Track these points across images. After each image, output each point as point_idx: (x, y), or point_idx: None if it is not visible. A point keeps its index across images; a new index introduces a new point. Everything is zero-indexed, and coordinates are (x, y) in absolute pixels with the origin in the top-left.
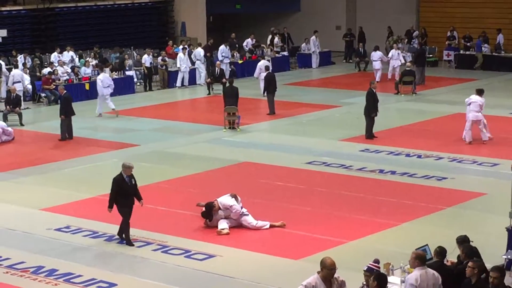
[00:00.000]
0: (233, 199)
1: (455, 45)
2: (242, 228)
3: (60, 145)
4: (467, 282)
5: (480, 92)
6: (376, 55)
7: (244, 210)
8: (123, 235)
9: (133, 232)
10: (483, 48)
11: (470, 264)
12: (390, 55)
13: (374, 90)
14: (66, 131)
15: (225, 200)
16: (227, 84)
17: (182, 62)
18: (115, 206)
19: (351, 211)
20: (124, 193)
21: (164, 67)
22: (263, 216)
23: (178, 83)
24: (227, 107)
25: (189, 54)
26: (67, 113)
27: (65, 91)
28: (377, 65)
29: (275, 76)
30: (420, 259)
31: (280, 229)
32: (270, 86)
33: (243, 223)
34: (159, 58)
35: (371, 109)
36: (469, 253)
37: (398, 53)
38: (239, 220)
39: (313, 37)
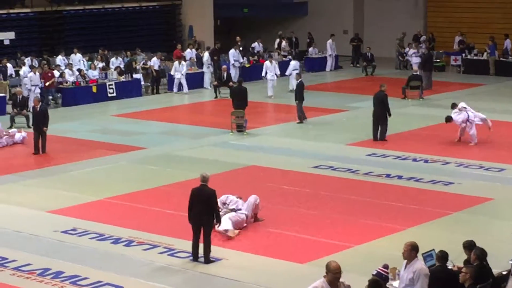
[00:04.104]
0: (229, 195)
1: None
2: (247, 231)
3: (67, 147)
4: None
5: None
6: (294, 64)
7: (241, 211)
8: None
9: (140, 234)
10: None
11: (463, 269)
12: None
13: (386, 92)
14: (39, 144)
15: (221, 198)
16: (236, 85)
17: (269, 70)
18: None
19: (358, 216)
20: None
21: (145, 72)
22: (269, 220)
23: (270, 93)
24: (234, 110)
25: (198, 58)
26: (44, 125)
27: (40, 103)
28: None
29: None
30: (416, 249)
31: (286, 233)
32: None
33: (239, 219)
34: (149, 62)
35: (387, 112)
36: (480, 256)
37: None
38: (235, 218)
39: (330, 40)
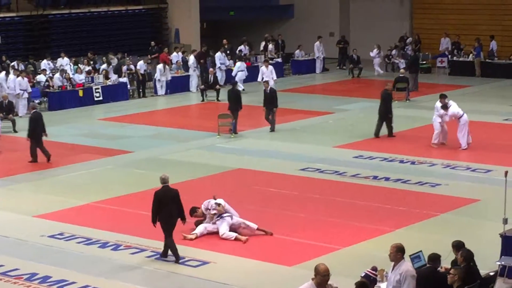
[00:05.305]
0: (211, 200)
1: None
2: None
3: (54, 151)
4: None
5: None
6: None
7: (226, 214)
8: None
9: (127, 238)
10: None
11: (451, 271)
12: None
13: (389, 92)
14: (34, 153)
15: (203, 203)
16: (230, 88)
17: (265, 75)
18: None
19: (345, 218)
20: None
21: (131, 76)
22: (256, 223)
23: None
24: (221, 113)
25: (183, 61)
26: (34, 134)
27: (34, 110)
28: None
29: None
30: (402, 251)
31: (274, 235)
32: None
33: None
34: (131, 66)
35: (388, 110)
36: (467, 257)
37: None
38: (216, 223)
39: (317, 42)
